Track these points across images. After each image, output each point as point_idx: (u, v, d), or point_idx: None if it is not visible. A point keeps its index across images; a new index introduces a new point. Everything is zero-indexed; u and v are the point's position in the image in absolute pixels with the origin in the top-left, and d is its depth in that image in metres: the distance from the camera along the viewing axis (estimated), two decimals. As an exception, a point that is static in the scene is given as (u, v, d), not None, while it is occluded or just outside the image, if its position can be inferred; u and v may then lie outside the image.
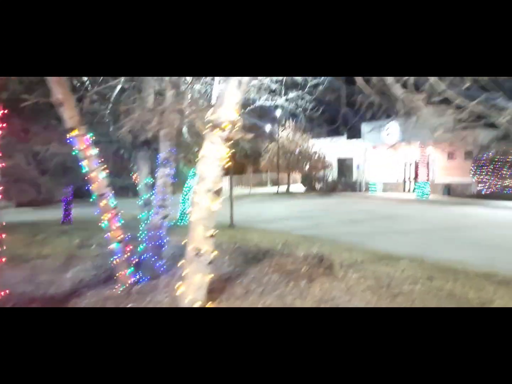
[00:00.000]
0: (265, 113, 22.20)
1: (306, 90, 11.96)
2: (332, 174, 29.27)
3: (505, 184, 18.41)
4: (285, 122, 27.90)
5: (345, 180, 28.30)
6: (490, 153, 18.79)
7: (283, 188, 28.83)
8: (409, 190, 24.59)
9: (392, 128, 23.01)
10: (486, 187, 19.22)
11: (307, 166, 26.96)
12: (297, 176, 31.54)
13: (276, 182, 32.70)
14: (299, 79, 11.35)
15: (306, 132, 28.53)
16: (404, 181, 24.88)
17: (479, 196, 19.42)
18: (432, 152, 22.79)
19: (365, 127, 24.95)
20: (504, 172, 18.18)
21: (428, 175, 23.01)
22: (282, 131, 28.03)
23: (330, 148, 29.00)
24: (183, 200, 11.88)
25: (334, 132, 32.29)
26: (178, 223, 11.46)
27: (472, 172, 19.53)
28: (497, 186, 18.70)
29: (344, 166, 28.59)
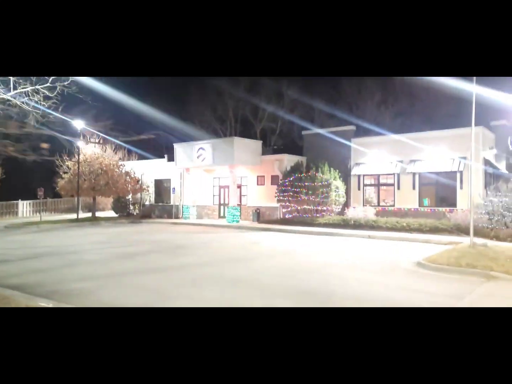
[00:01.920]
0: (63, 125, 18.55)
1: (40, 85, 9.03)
2: (149, 197, 26.55)
3: (304, 207, 18.59)
4: (90, 137, 24.16)
5: (162, 205, 25.86)
6: (292, 177, 18.84)
7: (90, 214, 24.71)
8: (224, 215, 23.52)
9: (205, 150, 21.74)
10: (289, 211, 19.19)
11: (117, 189, 23.54)
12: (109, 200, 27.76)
13: (89, 207, 28.33)
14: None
15: (119, 150, 25.25)
16: (220, 206, 23.75)
17: (283, 221, 19.22)
18: (245, 175, 22.22)
19: (177, 148, 23.18)
20: (302, 197, 18.33)
21: (240, 199, 22.29)
22: (85, 146, 24.17)
23: (150, 170, 26.40)
24: None
25: (157, 153, 30.07)
26: None
27: (276, 197, 19.33)
28: (298, 210, 18.79)
29: (162, 189, 26.20)
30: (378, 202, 19.98)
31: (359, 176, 20.44)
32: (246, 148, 21.19)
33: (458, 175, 17.70)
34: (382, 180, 20.13)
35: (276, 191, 19.53)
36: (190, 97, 34.27)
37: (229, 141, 21.39)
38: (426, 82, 21.90)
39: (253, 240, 14.48)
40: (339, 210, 19.36)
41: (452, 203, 17.82)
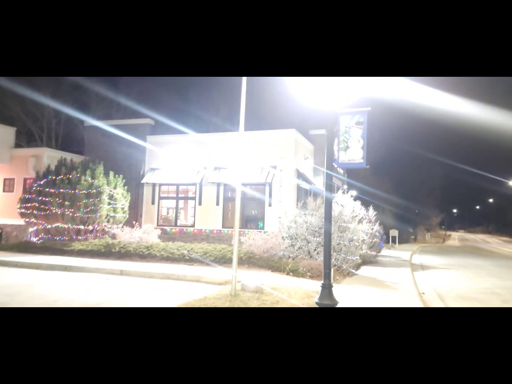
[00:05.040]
0: None
1: None
2: None
3: (57, 226, 12.56)
4: None
5: None
6: (44, 181, 12.67)
7: None
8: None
9: None
10: (37, 231, 12.90)
11: None
12: None
13: None
14: None
15: None
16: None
17: (25, 246, 12.70)
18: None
19: None
20: (54, 210, 12.31)
21: (-22, 212, 15.01)
22: None
23: None
24: None
25: None
26: None
27: (19, 209, 12.86)
28: (49, 230, 12.65)
29: None
30: (176, 221, 15.21)
31: (153, 185, 15.43)
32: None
33: (267, 188, 14.10)
34: (182, 193, 15.49)
35: (20, 200, 13.05)
36: None
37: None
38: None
39: None
40: (120, 230, 13.84)
41: (261, 224, 14.08)
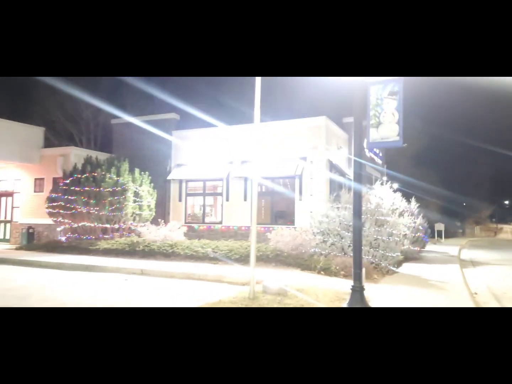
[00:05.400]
0: None
1: None
2: None
3: (83, 225, 12.37)
4: None
5: None
6: (70, 179, 12.54)
7: None
8: (-5, 236, 16.10)
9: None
10: (64, 231, 12.79)
11: None
12: None
13: None
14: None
15: None
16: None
17: (53, 245, 12.60)
18: (19, 178, 15.27)
19: None
20: (79, 208, 12.11)
21: (12, 213, 15.25)
22: None
23: None
24: None
25: None
26: None
27: (47, 209, 12.81)
28: (76, 229, 12.50)
29: None
30: (203, 218, 14.68)
31: (180, 181, 14.99)
32: (13, 135, 14.10)
33: (297, 181, 13.22)
34: (209, 189, 14.94)
35: (47, 199, 13.01)
36: None
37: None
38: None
39: None
40: (146, 228, 13.48)
41: (292, 219, 13.25)
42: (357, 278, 4.58)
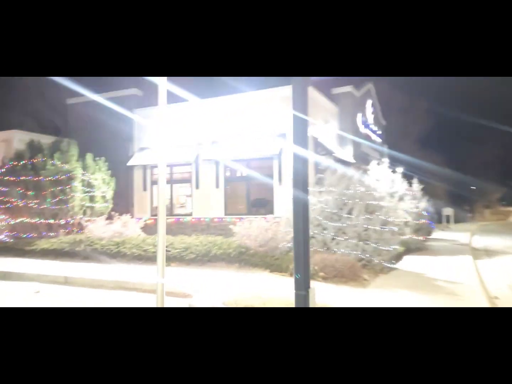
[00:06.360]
0: None
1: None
2: None
3: (22, 221, 10.40)
4: None
5: None
6: (13, 164, 10.58)
7: None
8: None
9: None
10: (1, 229, 10.87)
11: None
12: None
13: None
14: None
15: None
16: None
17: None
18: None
19: None
20: (15, 201, 10.14)
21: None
22: None
23: None
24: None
25: None
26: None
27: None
28: (15, 226, 10.55)
29: None
30: (172, 210, 12.66)
31: (144, 167, 12.96)
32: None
33: (275, 163, 11.12)
34: (177, 176, 12.89)
35: (-17, 192, 11.06)
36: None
37: None
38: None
39: None
40: (93, 223, 11.42)
41: (271, 208, 11.20)
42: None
